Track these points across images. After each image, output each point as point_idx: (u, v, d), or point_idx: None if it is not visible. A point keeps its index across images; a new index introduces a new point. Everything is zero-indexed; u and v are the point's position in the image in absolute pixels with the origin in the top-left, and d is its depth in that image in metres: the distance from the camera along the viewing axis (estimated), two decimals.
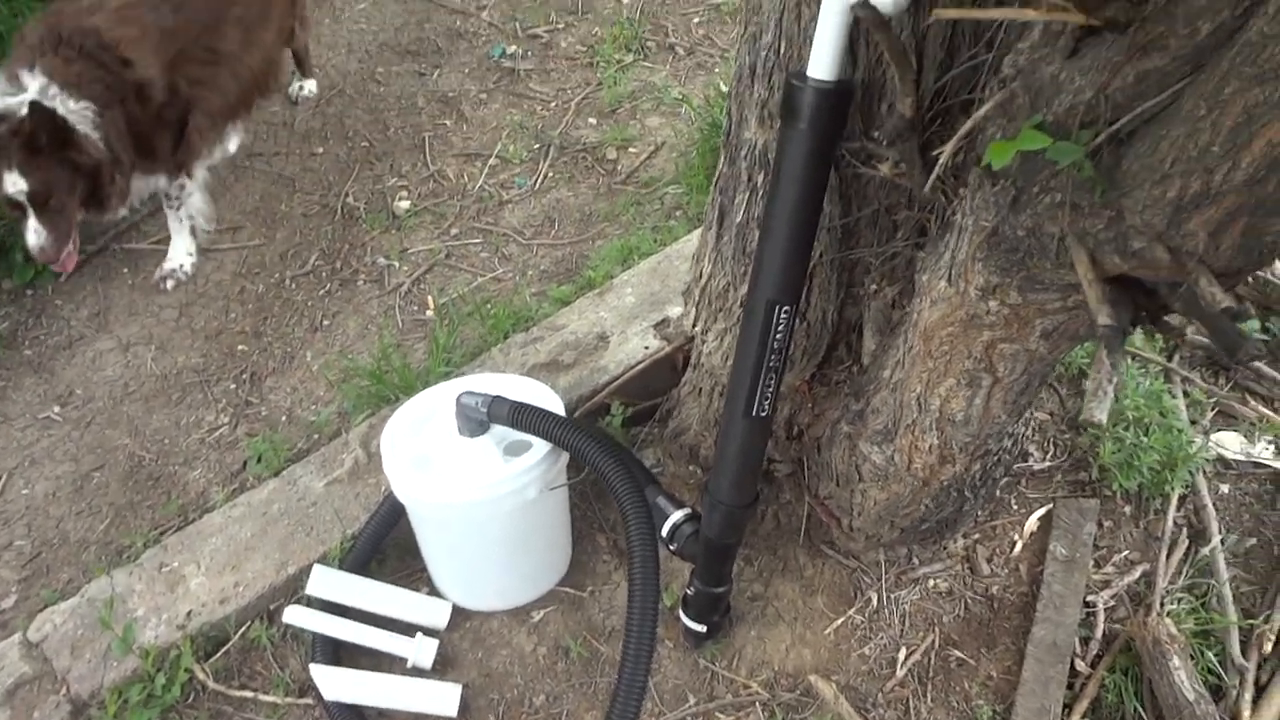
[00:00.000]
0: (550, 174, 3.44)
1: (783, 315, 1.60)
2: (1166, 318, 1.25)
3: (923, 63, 1.53)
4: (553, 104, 3.73)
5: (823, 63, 1.44)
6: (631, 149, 3.50)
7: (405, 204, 3.35)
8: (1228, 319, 1.07)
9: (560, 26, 4.08)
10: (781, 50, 1.65)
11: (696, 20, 4.07)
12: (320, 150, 3.57)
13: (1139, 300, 1.22)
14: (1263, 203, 0.99)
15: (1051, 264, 1.24)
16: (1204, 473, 2.38)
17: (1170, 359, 2.57)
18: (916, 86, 1.47)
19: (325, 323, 2.97)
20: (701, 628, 2.02)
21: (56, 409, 2.77)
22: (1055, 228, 1.19)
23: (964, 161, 1.41)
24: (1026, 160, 1.18)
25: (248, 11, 3.04)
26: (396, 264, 3.14)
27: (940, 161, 1.26)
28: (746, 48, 1.76)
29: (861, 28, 1.51)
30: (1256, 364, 2.53)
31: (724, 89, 3.30)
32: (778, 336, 1.62)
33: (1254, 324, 2.59)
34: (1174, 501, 2.31)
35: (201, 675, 2.06)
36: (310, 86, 3.75)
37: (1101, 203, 1.12)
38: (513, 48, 3.97)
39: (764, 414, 1.69)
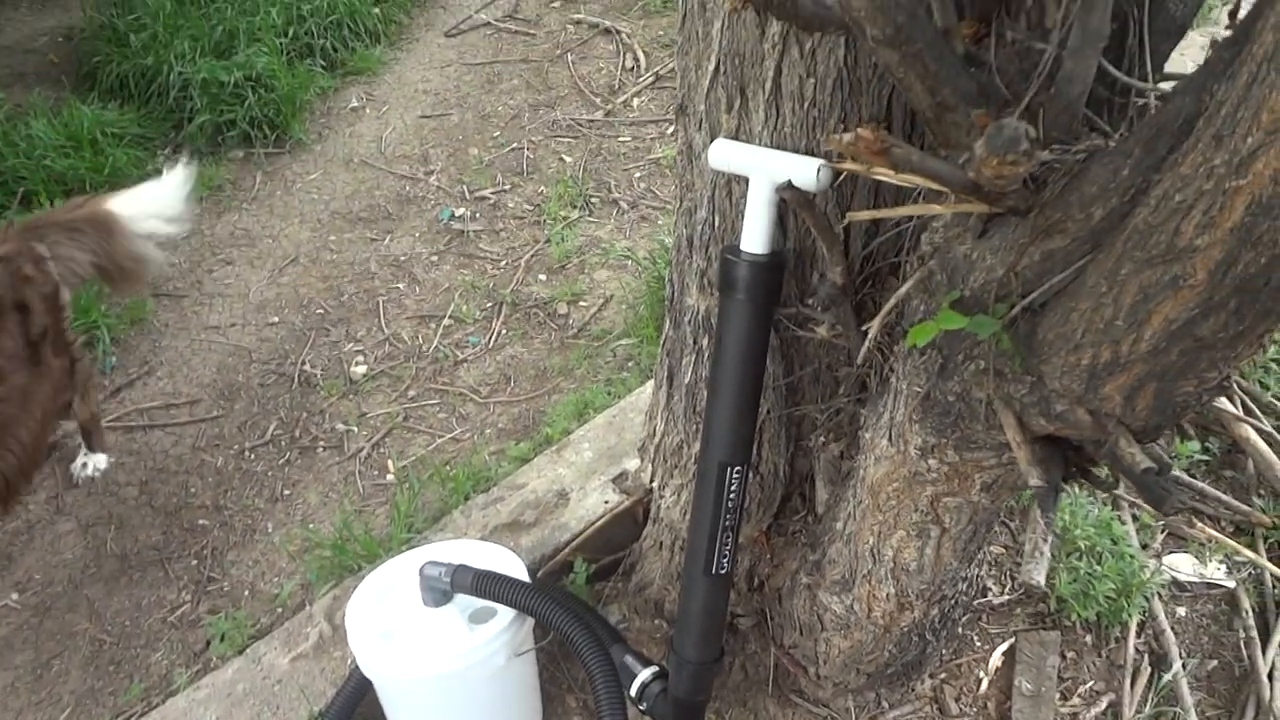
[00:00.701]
0: (503, 331, 3.51)
1: (734, 475, 1.66)
2: (1095, 470, 1.32)
3: (850, 232, 1.62)
4: (503, 262, 3.83)
5: (755, 238, 1.53)
6: (582, 303, 3.59)
7: (362, 369, 3.39)
8: (1151, 476, 1.13)
9: (507, 188, 4.21)
10: (716, 224, 1.74)
11: (638, 175, 4.22)
12: (275, 319, 3.63)
13: (1069, 455, 1.28)
14: (1168, 370, 1.06)
15: (983, 426, 1.30)
16: (1160, 597, 2.42)
17: (1116, 486, 2.63)
18: (845, 255, 1.56)
19: (286, 492, 2.98)
20: None
21: (15, 596, 2.74)
22: (982, 393, 1.26)
23: (896, 323, 1.49)
24: (950, 332, 1.25)
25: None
26: (355, 429, 3.17)
27: (869, 335, 1.33)
28: (683, 220, 1.84)
29: (789, 207, 1.60)
30: (1199, 485, 2.60)
31: (668, 242, 3.41)
32: (731, 495, 1.67)
33: (1194, 445, 2.68)
34: (1133, 628, 2.34)
35: None
36: (98, 462, 3.06)
37: (1022, 369, 1.19)
38: (461, 210, 4.09)
39: (723, 571, 1.73)
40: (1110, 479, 1.32)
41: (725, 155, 1.57)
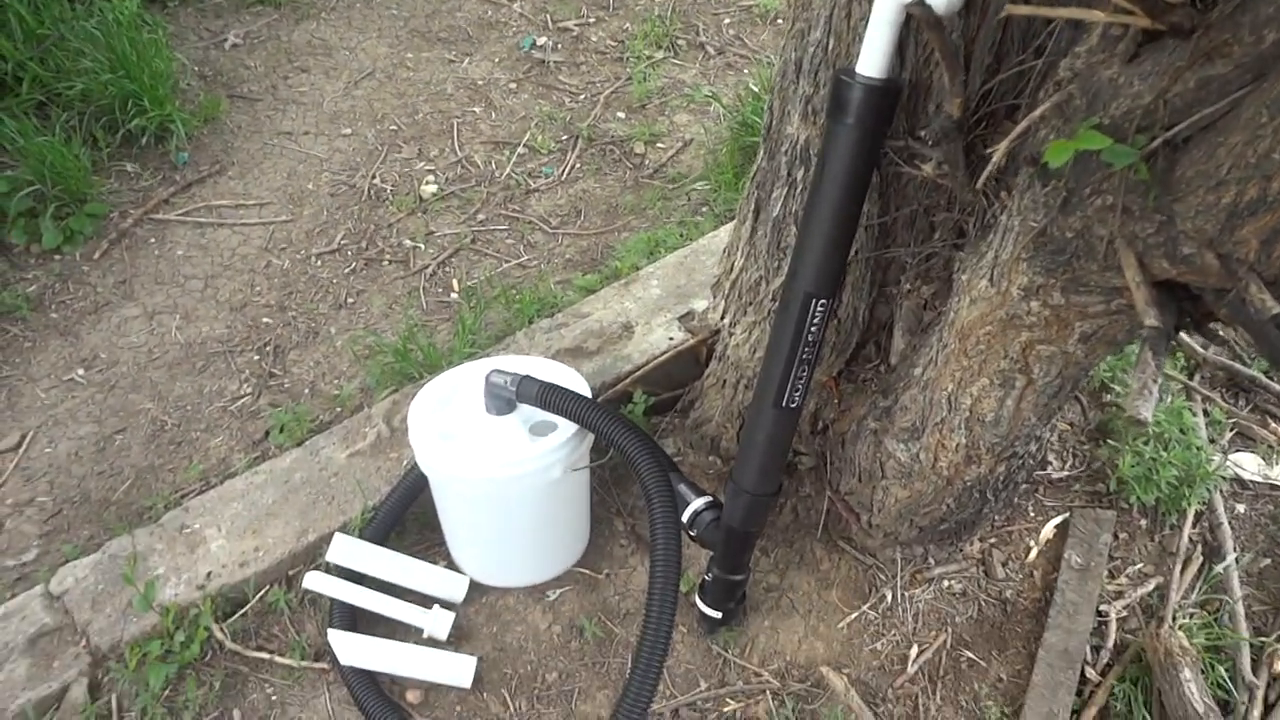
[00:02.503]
0: (578, 165, 3.46)
1: (819, 308, 1.62)
2: (1210, 324, 1.27)
3: (971, 65, 1.55)
4: (581, 96, 3.76)
5: (873, 60, 1.46)
6: (659, 144, 3.52)
7: (432, 188, 3.37)
8: (1274, 327, 1.09)
9: (591, 21, 4.10)
10: (829, 47, 1.67)
11: (727, 21, 4.09)
12: (348, 131, 3.60)
13: (1184, 305, 1.24)
14: None
15: (1098, 266, 1.26)
16: (1221, 492, 2.40)
17: (1191, 378, 2.59)
18: (965, 88, 1.49)
19: (350, 300, 2.99)
20: (717, 614, 2.04)
21: (81, 372, 2.79)
22: (1105, 230, 1.21)
23: (1009, 164, 1.43)
24: (1080, 162, 1.20)
25: None
26: (422, 246, 3.16)
27: (993, 160, 1.28)
28: (793, 44, 1.77)
29: (913, 27, 1.53)
30: (1277, 387, 2.55)
31: (754, 89, 3.33)
32: (812, 329, 1.64)
33: None
34: (1190, 518, 2.33)
35: (220, 635, 2.08)
36: None
37: (1153, 207, 1.14)
38: (543, 40, 4.00)
39: (794, 405, 1.71)
40: (1226, 331, 1.27)
41: None
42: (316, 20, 4.09)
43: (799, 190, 1.86)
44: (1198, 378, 2.61)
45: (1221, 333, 1.31)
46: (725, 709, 2.03)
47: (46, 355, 2.82)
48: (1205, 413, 2.53)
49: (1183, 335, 1.57)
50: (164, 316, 2.94)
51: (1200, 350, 2.36)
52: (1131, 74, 1.12)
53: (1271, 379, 2.54)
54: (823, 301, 1.62)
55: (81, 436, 2.61)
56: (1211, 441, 2.47)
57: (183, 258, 3.11)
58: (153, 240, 3.17)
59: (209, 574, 2.13)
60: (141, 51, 3.36)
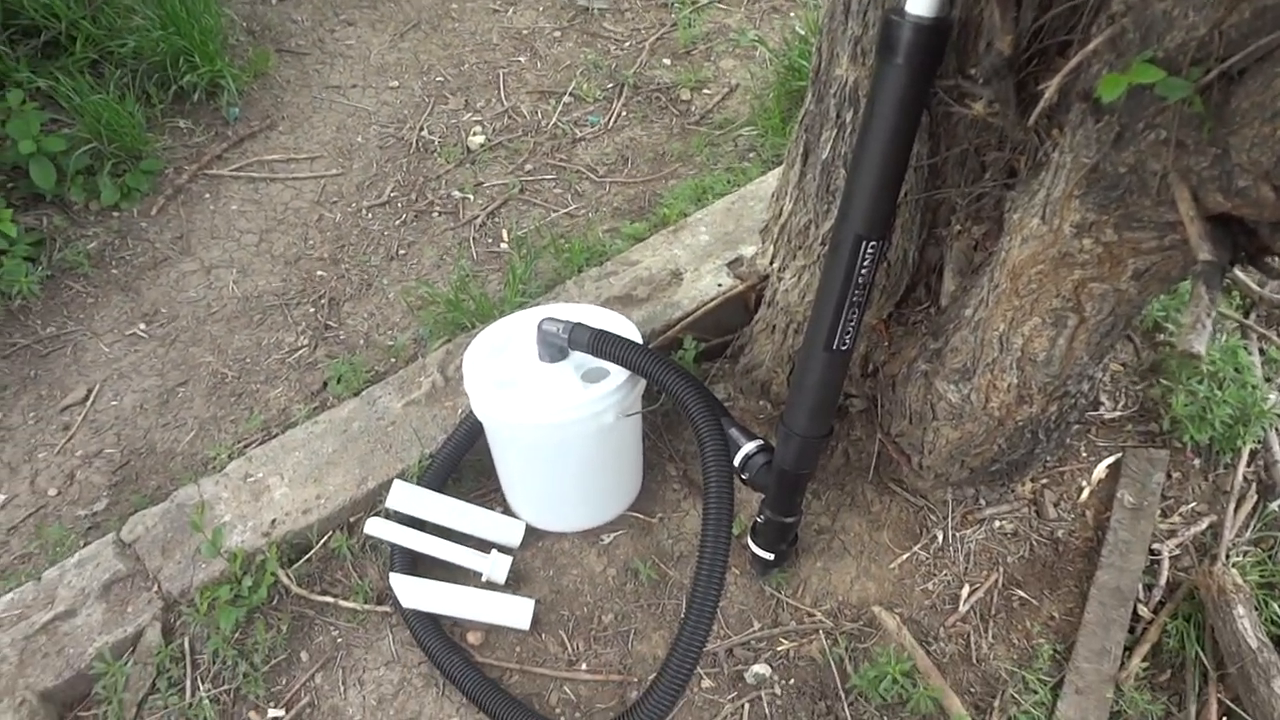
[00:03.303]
0: (624, 113, 3.46)
1: (869, 250, 1.63)
2: (1266, 258, 1.27)
3: (1022, 1, 1.53)
4: (627, 44, 3.74)
5: None
6: (706, 90, 3.51)
7: (479, 139, 3.38)
8: None
9: None
10: None
11: None
12: (395, 84, 3.62)
13: (1238, 239, 1.23)
14: None
15: (1152, 201, 1.25)
16: (1276, 430, 2.38)
17: (1247, 315, 2.56)
18: (1016, 25, 1.48)
19: (401, 252, 3.03)
20: (769, 556, 2.06)
21: (143, 326, 2.86)
22: (1158, 165, 1.20)
23: (1061, 100, 1.42)
24: (1133, 96, 1.19)
25: None
26: (471, 197, 3.18)
27: (1046, 96, 1.27)
28: None
29: None
30: None
31: (801, 32, 3.30)
32: (863, 271, 1.64)
33: None
34: (1244, 456, 2.31)
35: (285, 580, 2.15)
36: None
37: (1208, 140, 1.13)
38: None
39: (844, 348, 1.72)
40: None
41: None
42: None
43: (848, 132, 1.86)
44: (1253, 315, 2.58)
45: (1278, 266, 1.30)
46: (779, 648, 2.07)
47: (109, 311, 2.89)
48: (1261, 351, 2.50)
49: (1238, 273, 1.55)
50: (221, 271, 3.00)
51: (1256, 288, 2.32)
52: (1186, 5, 1.11)
53: None
54: (873, 244, 1.62)
55: (145, 389, 2.68)
56: (1267, 380, 2.44)
57: (237, 212, 3.16)
58: (207, 196, 3.22)
59: (273, 521, 2.19)
60: (190, 7, 3.39)
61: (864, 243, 1.62)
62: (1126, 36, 1.18)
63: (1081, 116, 1.30)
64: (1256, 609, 2.00)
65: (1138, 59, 1.14)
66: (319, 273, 2.98)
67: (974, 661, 2.05)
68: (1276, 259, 1.27)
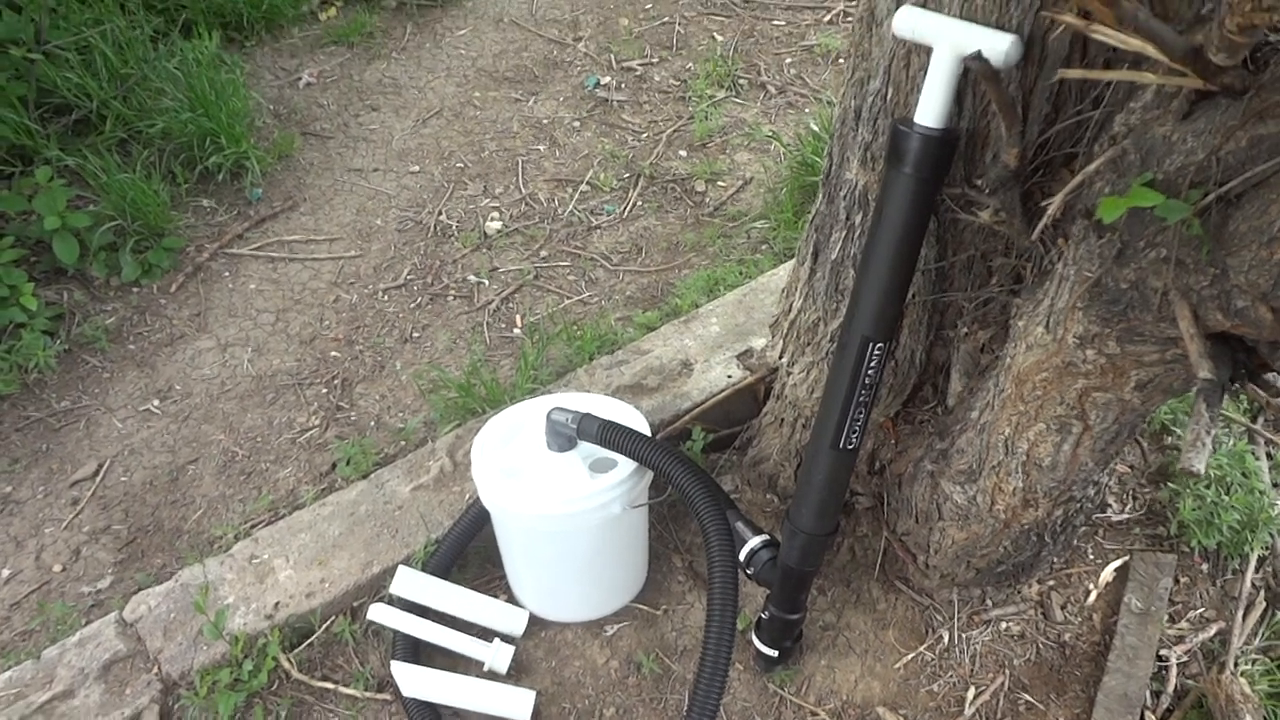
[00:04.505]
0: (639, 202, 3.52)
1: (876, 351, 1.65)
2: (1265, 375, 1.28)
3: (1028, 115, 1.57)
4: (644, 135, 3.81)
5: (931, 110, 1.49)
6: (720, 182, 3.57)
7: (496, 224, 3.44)
8: None
9: (654, 61, 4.17)
10: (888, 96, 1.70)
11: (789, 60, 4.13)
12: (416, 168, 3.69)
13: (1238, 356, 1.25)
14: None
15: (1153, 317, 1.27)
16: None
17: (1254, 420, 2.57)
18: (1021, 138, 1.52)
19: (415, 334, 3.06)
20: (773, 652, 2.05)
21: (156, 402, 2.88)
22: (1159, 282, 1.22)
23: (1066, 213, 1.45)
24: (1134, 215, 1.22)
25: None
26: (486, 282, 3.22)
27: (1049, 212, 1.30)
28: (852, 92, 1.81)
29: (971, 78, 1.56)
30: None
31: (815, 128, 3.36)
32: (869, 372, 1.66)
33: None
34: (1253, 562, 2.30)
35: (286, 664, 2.14)
36: None
37: (1207, 261, 1.15)
38: (607, 79, 4.07)
39: (851, 446, 1.74)
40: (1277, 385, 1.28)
41: (911, 23, 1.52)
42: (387, 60, 4.20)
43: (857, 234, 1.89)
44: (1261, 420, 2.59)
45: (1275, 383, 1.31)
46: None
47: (124, 386, 2.92)
48: (1269, 455, 2.50)
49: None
50: (236, 349, 3.03)
51: (1263, 393, 2.34)
52: (1185, 131, 1.14)
53: None
54: (879, 345, 1.65)
55: (156, 466, 2.70)
56: (1275, 486, 2.44)
57: (255, 291, 3.20)
58: (226, 274, 3.27)
59: (277, 604, 2.19)
60: (220, 91, 3.49)
61: (871, 344, 1.64)
62: (1127, 158, 1.21)
63: (1084, 232, 1.33)
64: (1265, 718, 1.98)
65: (1137, 181, 1.17)
66: (333, 353, 3.01)
67: None
68: (1277, 376, 1.28)
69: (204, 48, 3.65)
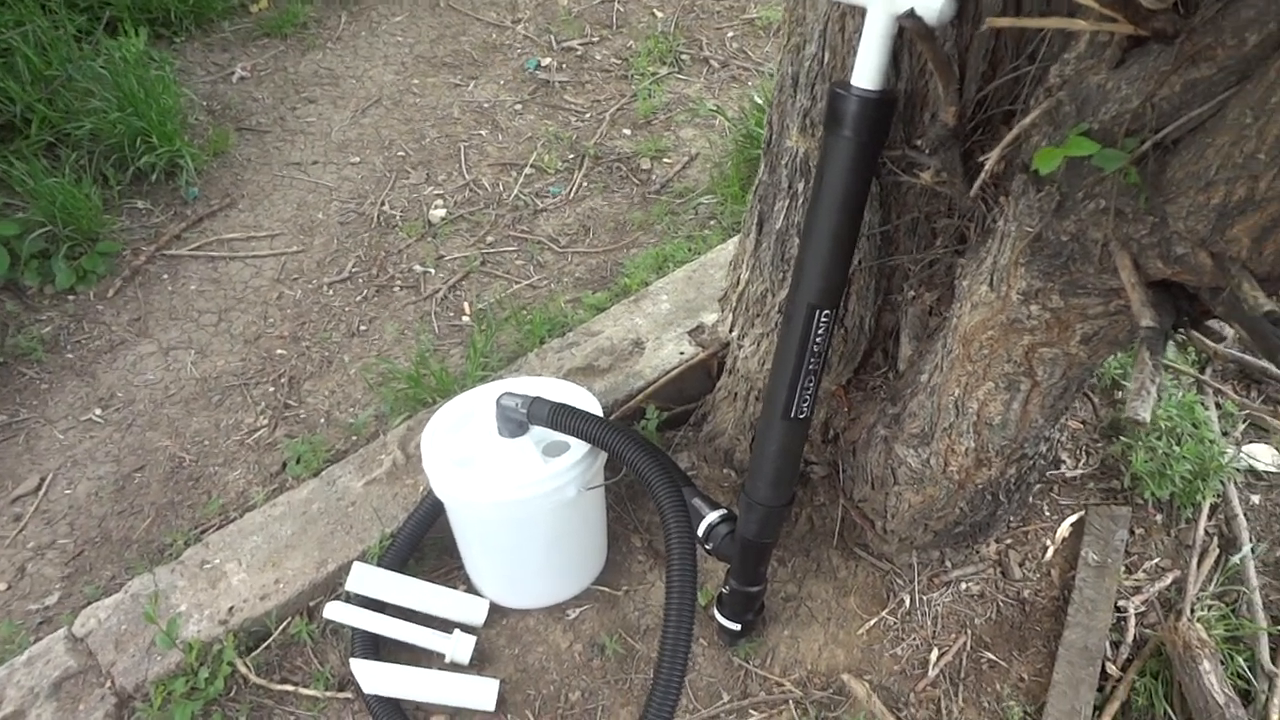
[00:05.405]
0: (585, 183, 3.49)
1: (823, 319, 1.64)
2: (1207, 322, 1.28)
3: (965, 74, 1.56)
4: (587, 115, 3.78)
5: (867, 72, 1.47)
6: (666, 159, 3.55)
7: (441, 212, 3.39)
8: (1269, 323, 1.10)
9: (595, 40, 4.13)
10: (825, 60, 1.69)
11: (730, 34, 4.12)
12: (357, 159, 3.63)
13: (1180, 304, 1.25)
14: None
15: (1094, 269, 1.27)
16: (1235, 483, 2.40)
17: (1203, 371, 2.59)
18: (959, 96, 1.51)
19: (362, 328, 3.02)
20: (736, 626, 2.05)
21: (98, 411, 2.82)
22: (1099, 233, 1.22)
23: (1006, 169, 1.44)
24: (1072, 167, 1.21)
25: None
26: (432, 271, 3.18)
27: (985, 168, 1.29)
28: (789, 58, 1.79)
29: (906, 39, 1.54)
30: None
31: (758, 101, 3.34)
32: (818, 340, 1.65)
33: None
34: (1205, 511, 2.33)
35: (243, 669, 2.10)
36: None
37: (1145, 209, 1.15)
38: (547, 60, 4.03)
39: (802, 416, 1.72)
40: (1222, 328, 1.28)
41: None
42: (323, 50, 4.14)
43: (800, 202, 1.88)
44: (1209, 371, 2.61)
45: (1216, 329, 1.32)
46: None
47: (63, 396, 2.85)
48: (1218, 405, 2.53)
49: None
50: (179, 352, 2.97)
51: (1211, 343, 2.36)
52: (1119, 79, 1.13)
53: None
54: (826, 312, 1.63)
55: (100, 476, 2.64)
56: (1224, 434, 2.47)
57: (196, 292, 3.14)
58: (165, 276, 3.20)
59: (231, 609, 2.15)
60: (149, 89, 3.41)
61: (818, 312, 1.63)
62: (1063, 109, 1.20)
63: (1024, 187, 1.32)
64: (1222, 663, 2.00)
65: (1073, 131, 1.16)
66: (279, 351, 2.96)
67: None
68: (1217, 321, 1.28)
69: (131, 45, 3.56)
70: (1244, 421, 2.55)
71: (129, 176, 3.39)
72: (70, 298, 3.12)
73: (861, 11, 1.48)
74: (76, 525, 2.52)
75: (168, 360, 2.95)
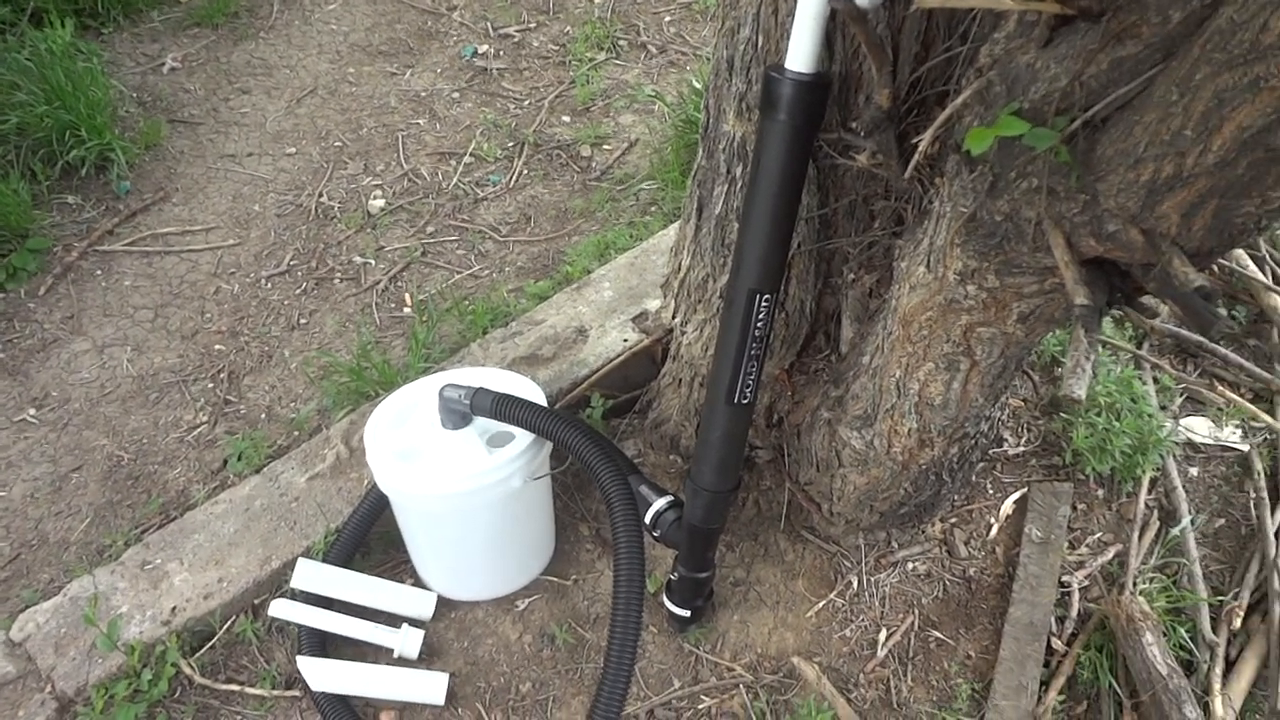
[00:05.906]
0: (525, 171, 3.46)
1: (764, 303, 1.63)
2: (1141, 298, 1.29)
3: (898, 55, 1.56)
4: (526, 102, 3.75)
5: (801, 55, 1.47)
6: (606, 146, 3.53)
7: (380, 203, 3.35)
8: (1200, 298, 1.11)
9: (532, 26, 4.10)
10: (759, 44, 1.68)
11: (668, 19, 4.10)
12: (293, 150, 3.57)
13: (1114, 281, 1.26)
14: (1233, 184, 1.03)
15: (1029, 248, 1.27)
16: (1174, 456, 2.44)
17: (1140, 346, 2.63)
18: (893, 78, 1.51)
19: (302, 321, 2.97)
20: (685, 612, 2.05)
21: (32, 411, 2.76)
22: (1032, 212, 1.22)
23: (941, 151, 1.45)
24: (1004, 146, 1.22)
25: None
26: (372, 262, 3.15)
27: (919, 149, 1.29)
28: (724, 42, 1.78)
29: (839, 21, 1.54)
30: (1223, 351, 2.59)
31: (697, 86, 3.33)
32: (759, 324, 1.65)
33: (1220, 312, 2.65)
34: (1145, 484, 2.36)
35: (188, 670, 2.07)
36: None
37: (1077, 187, 1.16)
38: (484, 47, 3.99)
39: (745, 401, 1.72)
40: (1155, 305, 1.29)
41: None
42: (255, 40, 4.06)
43: (739, 186, 1.87)
44: (1146, 346, 2.65)
45: (1150, 305, 1.33)
46: (700, 706, 2.04)
47: None
48: (1155, 380, 2.57)
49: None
50: (114, 350, 2.91)
51: (1147, 319, 2.40)
52: (1047, 58, 1.14)
53: (1216, 343, 2.58)
54: (767, 296, 1.63)
55: (37, 478, 2.58)
56: (1162, 408, 2.51)
57: (130, 288, 3.08)
58: (99, 272, 3.13)
59: (173, 609, 2.11)
60: (77, 81, 3.33)
61: (758, 296, 1.63)
62: (993, 89, 1.21)
63: (957, 167, 1.32)
64: (1165, 634, 2.03)
65: (1004, 110, 1.17)
66: (217, 346, 2.91)
67: (895, 706, 2.05)
68: (1150, 298, 1.30)
69: (57, 37, 3.48)
70: (1181, 395, 2.59)
71: (58, 171, 3.31)
72: (0, 296, 3.04)
73: None
74: (12, 528, 2.46)
75: (103, 358, 2.89)
